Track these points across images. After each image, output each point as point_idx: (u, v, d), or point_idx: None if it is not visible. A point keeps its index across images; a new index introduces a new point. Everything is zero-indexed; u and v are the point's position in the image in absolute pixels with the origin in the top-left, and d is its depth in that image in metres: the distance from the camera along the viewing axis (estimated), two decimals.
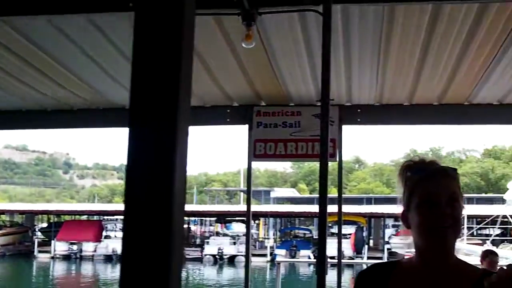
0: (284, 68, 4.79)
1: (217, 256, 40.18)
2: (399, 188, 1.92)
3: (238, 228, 44.16)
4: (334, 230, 21.20)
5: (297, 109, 5.71)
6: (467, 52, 4.25)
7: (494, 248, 14.51)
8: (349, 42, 4.14)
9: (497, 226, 24.83)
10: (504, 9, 3.53)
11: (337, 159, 5.57)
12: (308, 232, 42.65)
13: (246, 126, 5.82)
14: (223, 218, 45.16)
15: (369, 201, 52.10)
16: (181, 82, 0.57)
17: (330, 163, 3.29)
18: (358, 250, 36.98)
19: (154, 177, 0.59)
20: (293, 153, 5.63)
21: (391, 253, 33.24)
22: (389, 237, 38.51)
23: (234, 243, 40.67)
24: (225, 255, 40.15)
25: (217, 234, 45.42)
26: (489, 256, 6.82)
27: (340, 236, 5.43)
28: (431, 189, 1.80)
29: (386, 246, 36.63)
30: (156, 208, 0.59)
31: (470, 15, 3.66)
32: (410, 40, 4.07)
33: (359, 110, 5.71)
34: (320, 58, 4.36)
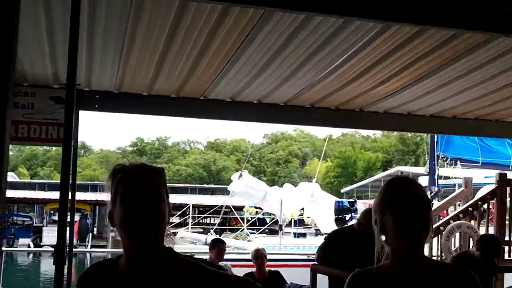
0: (20, 46, 4.47)
1: None
2: (108, 191, 1.84)
3: None
4: (56, 217, 20.46)
5: (31, 89, 5.39)
6: (207, 51, 4.48)
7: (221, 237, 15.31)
8: (94, 26, 4.04)
9: (220, 215, 26.55)
10: (244, 14, 3.76)
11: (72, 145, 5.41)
12: (28, 219, 40.33)
13: None
14: None
15: (94, 188, 51.12)
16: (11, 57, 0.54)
17: (58, 148, 3.21)
18: (82, 238, 36.14)
19: None
20: (25, 136, 5.31)
21: (115, 242, 33.36)
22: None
23: None
24: None
25: None
26: (217, 245, 6.98)
27: (72, 223, 5.29)
28: (135, 183, 1.76)
29: (111, 234, 36.54)
30: None
31: (212, 15, 3.82)
32: (155, 33, 4.14)
33: (97, 96, 5.62)
34: (61, 39, 4.19)
